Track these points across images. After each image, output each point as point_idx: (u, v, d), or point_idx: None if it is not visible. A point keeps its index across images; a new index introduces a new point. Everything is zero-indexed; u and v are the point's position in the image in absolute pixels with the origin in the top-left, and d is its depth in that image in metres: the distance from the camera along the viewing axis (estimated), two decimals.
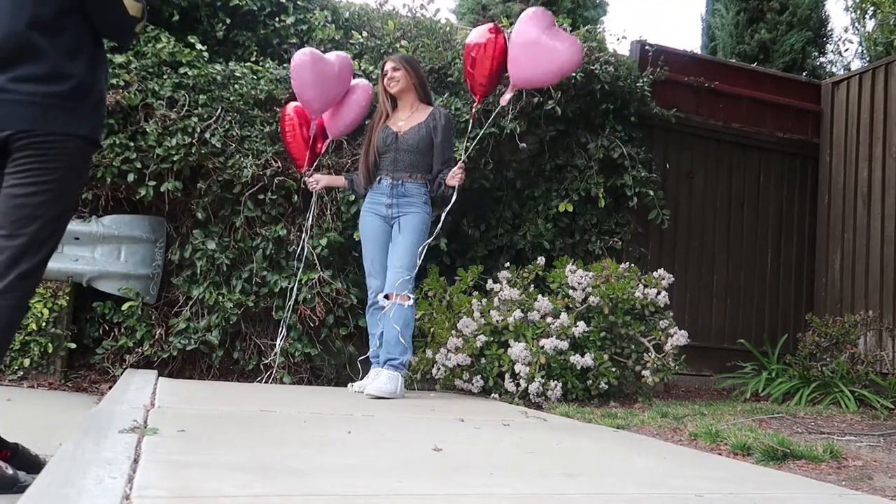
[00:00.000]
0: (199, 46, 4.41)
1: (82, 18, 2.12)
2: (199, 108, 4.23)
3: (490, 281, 4.35)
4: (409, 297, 3.69)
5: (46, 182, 2.05)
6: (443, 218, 3.91)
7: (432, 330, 4.21)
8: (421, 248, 3.78)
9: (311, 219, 4.21)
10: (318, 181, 4.06)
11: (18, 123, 2.02)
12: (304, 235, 4.22)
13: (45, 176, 2.05)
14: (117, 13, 2.12)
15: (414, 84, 3.89)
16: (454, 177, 3.80)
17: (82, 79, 2.10)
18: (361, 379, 3.91)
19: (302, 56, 3.84)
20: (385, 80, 3.90)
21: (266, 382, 4.11)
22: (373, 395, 3.51)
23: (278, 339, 4.13)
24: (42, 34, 2.05)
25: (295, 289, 4.20)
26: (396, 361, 3.62)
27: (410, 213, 3.80)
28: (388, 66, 3.90)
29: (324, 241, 4.33)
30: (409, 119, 3.88)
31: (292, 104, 4.05)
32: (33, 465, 2.20)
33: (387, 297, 3.70)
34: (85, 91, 2.11)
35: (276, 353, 4.14)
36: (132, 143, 4.15)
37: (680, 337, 4.10)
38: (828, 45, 10.65)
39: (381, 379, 3.58)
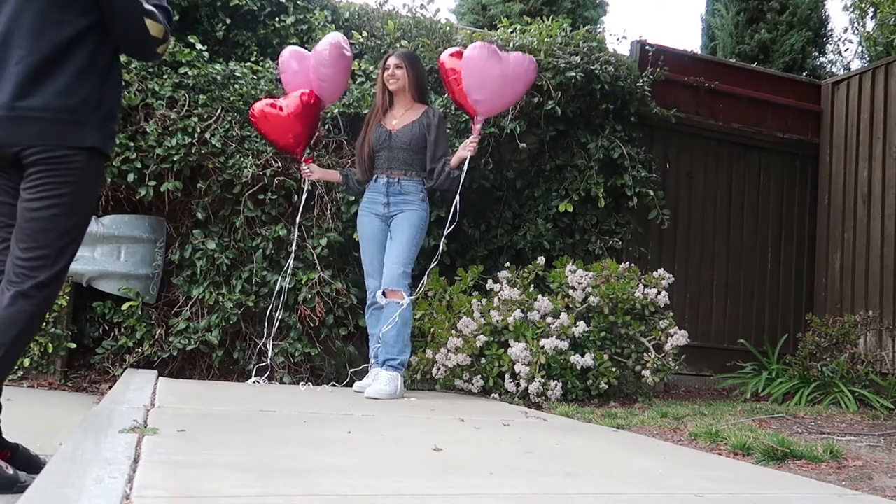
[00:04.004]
0: (199, 46, 4.41)
1: (100, 37, 2.14)
2: (199, 108, 4.24)
3: (490, 281, 4.35)
4: (405, 296, 3.69)
5: (59, 196, 2.09)
6: (455, 203, 3.81)
7: (432, 330, 4.21)
8: (417, 245, 3.79)
9: (299, 217, 4.17)
10: (312, 171, 4.02)
11: (28, 139, 2.05)
12: (292, 235, 4.17)
13: (58, 190, 2.08)
14: (140, 36, 2.16)
15: (413, 84, 3.89)
16: (467, 146, 3.77)
17: (91, 93, 2.12)
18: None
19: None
20: (386, 74, 3.89)
21: (261, 381, 4.10)
22: (372, 397, 3.51)
23: (267, 340, 4.11)
24: (61, 55, 2.08)
25: (285, 288, 4.16)
26: (395, 362, 3.63)
27: (407, 210, 3.79)
28: (391, 61, 3.88)
29: (324, 241, 4.33)
30: (402, 117, 3.88)
31: (259, 104, 3.88)
32: (33, 465, 2.20)
33: (384, 294, 3.71)
34: (94, 104, 2.13)
35: (259, 354, 4.14)
36: (132, 143, 4.14)
37: (680, 337, 4.10)
38: (828, 45, 10.66)
39: (380, 380, 3.59)
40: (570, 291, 4.18)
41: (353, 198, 4.42)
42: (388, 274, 3.70)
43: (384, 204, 3.83)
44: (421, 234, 3.83)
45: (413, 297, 3.77)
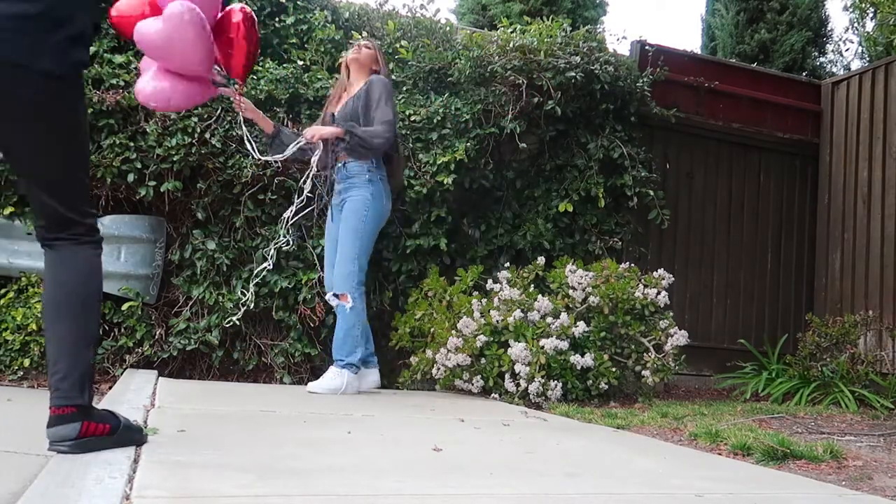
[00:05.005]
0: None
1: None
2: (199, 108, 4.23)
3: (490, 281, 4.35)
4: (350, 299, 3.61)
5: None
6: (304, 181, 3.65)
7: (432, 330, 4.21)
8: (363, 236, 3.65)
9: (288, 213, 3.84)
10: (247, 107, 3.63)
11: None
12: (280, 226, 3.92)
13: None
14: None
15: (372, 67, 3.80)
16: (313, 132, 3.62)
17: (56, 6, 1.77)
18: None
19: None
20: (352, 49, 3.82)
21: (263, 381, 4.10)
22: (311, 391, 3.57)
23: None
24: None
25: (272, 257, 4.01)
26: (342, 362, 3.65)
27: (351, 197, 3.65)
28: (363, 41, 3.82)
29: (324, 242, 4.32)
30: (347, 95, 3.80)
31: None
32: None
33: (336, 295, 3.66)
34: (57, 20, 1.77)
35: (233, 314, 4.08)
36: (132, 143, 4.15)
37: (680, 337, 4.10)
38: (828, 45, 10.67)
39: (325, 376, 3.64)
40: (570, 291, 4.18)
41: None
42: (335, 275, 3.66)
43: (338, 192, 3.74)
44: (365, 221, 3.63)
45: (360, 292, 3.64)
